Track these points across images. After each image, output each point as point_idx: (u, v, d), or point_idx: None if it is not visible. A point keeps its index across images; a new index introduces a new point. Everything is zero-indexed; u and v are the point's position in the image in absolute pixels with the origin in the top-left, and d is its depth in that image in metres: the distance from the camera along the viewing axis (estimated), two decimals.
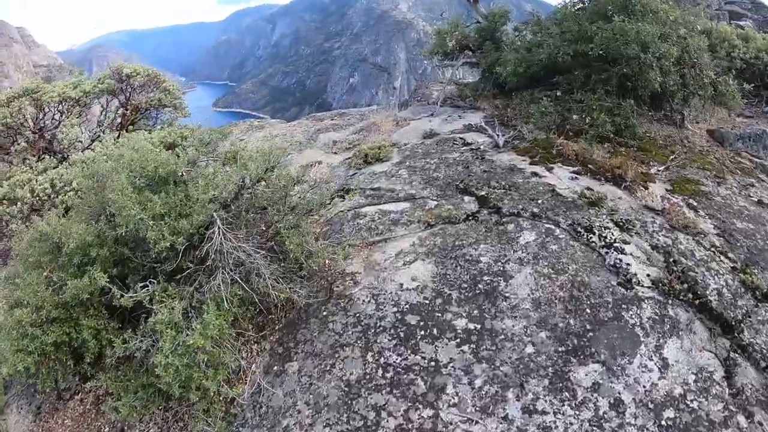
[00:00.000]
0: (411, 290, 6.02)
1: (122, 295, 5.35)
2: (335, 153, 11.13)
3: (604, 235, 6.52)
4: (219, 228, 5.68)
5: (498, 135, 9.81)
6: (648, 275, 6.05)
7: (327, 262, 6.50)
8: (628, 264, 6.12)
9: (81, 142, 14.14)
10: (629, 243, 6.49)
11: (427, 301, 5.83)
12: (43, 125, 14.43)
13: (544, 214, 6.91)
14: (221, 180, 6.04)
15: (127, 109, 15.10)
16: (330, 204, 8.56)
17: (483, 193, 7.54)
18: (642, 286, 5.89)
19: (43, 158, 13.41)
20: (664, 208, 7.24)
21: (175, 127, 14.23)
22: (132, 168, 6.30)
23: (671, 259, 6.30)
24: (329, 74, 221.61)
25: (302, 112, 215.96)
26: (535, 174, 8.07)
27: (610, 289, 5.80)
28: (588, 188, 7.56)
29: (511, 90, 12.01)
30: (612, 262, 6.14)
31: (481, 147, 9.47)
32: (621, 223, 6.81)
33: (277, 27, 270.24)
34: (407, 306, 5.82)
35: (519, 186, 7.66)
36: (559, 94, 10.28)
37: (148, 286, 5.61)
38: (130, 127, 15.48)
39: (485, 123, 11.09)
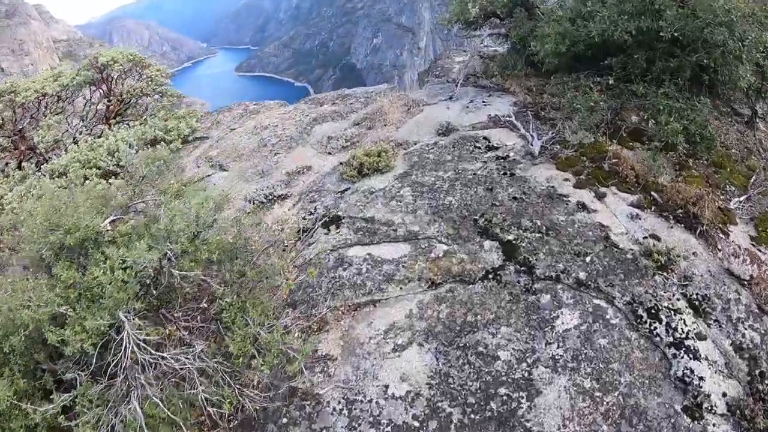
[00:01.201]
0: (398, 400, 4.17)
1: (35, 410, 3.77)
2: (329, 153, 9.11)
3: (673, 323, 4.53)
4: (129, 334, 3.87)
5: (532, 136, 7.63)
6: (724, 395, 4.13)
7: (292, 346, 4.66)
8: (701, 378, 4.22)
9: (61, 141, 12.50)
10: (705, 338, 4.49)
11: (417, 424, 3.96)
12: (21, 127, 12.81)
13: (593, 281, 4.87)
14: (138, 253, 4.16)
15: (110, 101, 13.30)
16: (312, 234, 6.66)
17: (510, 237, 5.50)
18: (714, 413, 3.99)
19: (23, 166, 11.87)
20: (752, 277, 5.13)
21: (158, 119, 12.39)
22: (36, 233, 4.55)
23: (757, 371, 4.29)
24: (352, 35, 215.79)
25: (326, 74, 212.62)
26: (581, 206, 5.95)
27: (672, 421, 3.85)
28: (653, 235, 5.45)
29: (549, 71, 9.67)
30: (680, 373, 4.20)
31: (510, 154, 7.32)
32: (696, 302, 4.80)
33: None
34: (389, 430, 3.97)
35: (560, 227, 5.57)
36: (611, 81, 7.97)
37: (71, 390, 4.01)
38: (115, 120, 13.72)
39: (515, 114, 8.87)
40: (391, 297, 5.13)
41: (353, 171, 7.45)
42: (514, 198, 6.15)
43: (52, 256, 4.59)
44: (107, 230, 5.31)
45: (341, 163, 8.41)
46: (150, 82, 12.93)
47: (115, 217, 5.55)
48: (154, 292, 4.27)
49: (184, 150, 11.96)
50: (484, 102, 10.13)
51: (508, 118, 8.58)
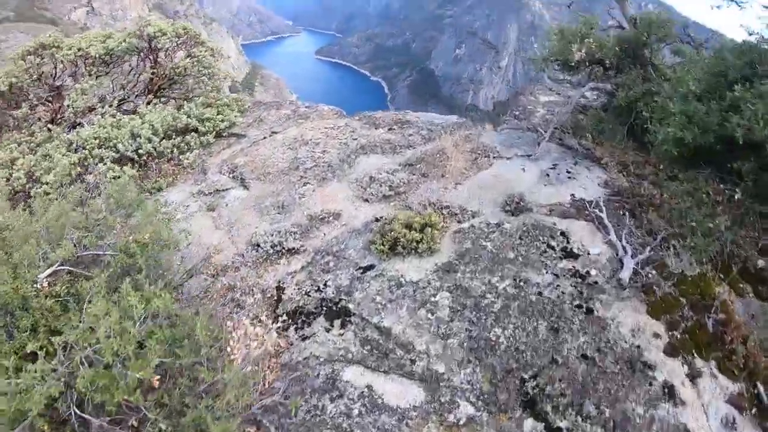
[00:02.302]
0: None
1: None
2: (366, 200, 7.45)
3: None
4: None
5: (624, 249, 5.71)
6: None
7: None
8: None
9: (95, 107, 11.46)
10: None
11: None
12: (59, 84, 11.89)
13: None
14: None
15: (154, 74, 12.18)
16: (310, 322, 5.02)
17: (563, 424, 3.70)
18: None
19: (50, 128, 10.93)
20: None
21: (195, 105, 11.11)
22: None
23: None
24: (436, 42, 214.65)
25: (402, 74, 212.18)
26: (668, 392, 4.03)
27: None
28: None
29: (661, 157, 7.63)
30: None
31: (592, 272, 5.41)
32: None
33: None
34: None
35: (632, 427, 3.69)
36: (738, 195, 5.92)
37: None
38: (156, 97, 12.59)
39: (606, 202, 6.94)
40: None
41: (385, 246, 5.74)
42: (584, 356, 4.27)
43: None
44: (42, 288, 3.86)
45: (377, 220, 6.74)
46: (196, 63, 11.68)
47: (57, 268, 4.10)
48: None
49: (216, 144, 10.65)
50: (568, 172, 8.21)
51: (596, 211, 6.64)
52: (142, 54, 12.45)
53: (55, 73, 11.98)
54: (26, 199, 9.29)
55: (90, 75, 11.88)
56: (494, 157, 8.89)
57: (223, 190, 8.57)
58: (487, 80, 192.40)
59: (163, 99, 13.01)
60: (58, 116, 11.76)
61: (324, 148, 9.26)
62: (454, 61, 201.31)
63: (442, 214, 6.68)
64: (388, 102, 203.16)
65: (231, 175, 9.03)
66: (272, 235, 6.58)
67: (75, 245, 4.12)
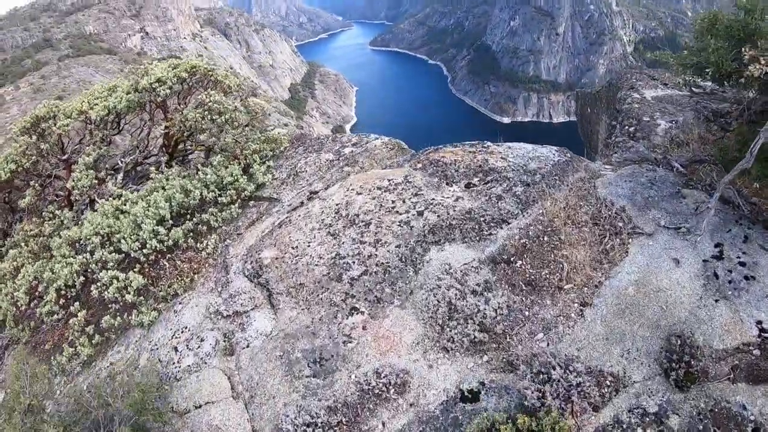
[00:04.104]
0: None
1: None
2: (445, 349, 4.70)
3: None
4: None
5: None
6: None
7: None
8: None
9: (105, 181, 9.50)
10: None
11: None
12: (66, 157, 10.05)
13: None
14: None
15: (167, 128, 10.03)
16: None
17: None
18: None
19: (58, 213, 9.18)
20: None
21: (212, 168, 8.79)
22: None
23: None
24: (489, 16, 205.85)
25: (459, 54, 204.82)
26: None
27: None
28: None
29: None
30: None
31: None
32: None
33: None
34: None
35: None
36: None
37: None
38: (173, 156, 10.44)
39: None
40: None
41: None
42: None
43: None
44: None
45: (464, 398, 4.04)
46: (207, 113, 9.33)
47: None
48: None
49: (242, 216, 8.35)
50: (741, 263, 5.12)
51: None
52: (149, 107, 10.34)
53: (62, 145, 10.14)
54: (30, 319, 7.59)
55: (95, 143, 9.92)
56: (629, 234, 5.88)
57: (245, 313, 6.17)
58: (546, 49, 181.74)
59: (182, 156, 10.94)
60: (72, 195, 9.91)
61: (377, 232, 6.57)
62: (510, 34, 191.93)
63: (568, 394, 3.86)
64: (449, 84, 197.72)
65: (256, 281, 6.62)
66: (306, 429, 4.05)
67: None
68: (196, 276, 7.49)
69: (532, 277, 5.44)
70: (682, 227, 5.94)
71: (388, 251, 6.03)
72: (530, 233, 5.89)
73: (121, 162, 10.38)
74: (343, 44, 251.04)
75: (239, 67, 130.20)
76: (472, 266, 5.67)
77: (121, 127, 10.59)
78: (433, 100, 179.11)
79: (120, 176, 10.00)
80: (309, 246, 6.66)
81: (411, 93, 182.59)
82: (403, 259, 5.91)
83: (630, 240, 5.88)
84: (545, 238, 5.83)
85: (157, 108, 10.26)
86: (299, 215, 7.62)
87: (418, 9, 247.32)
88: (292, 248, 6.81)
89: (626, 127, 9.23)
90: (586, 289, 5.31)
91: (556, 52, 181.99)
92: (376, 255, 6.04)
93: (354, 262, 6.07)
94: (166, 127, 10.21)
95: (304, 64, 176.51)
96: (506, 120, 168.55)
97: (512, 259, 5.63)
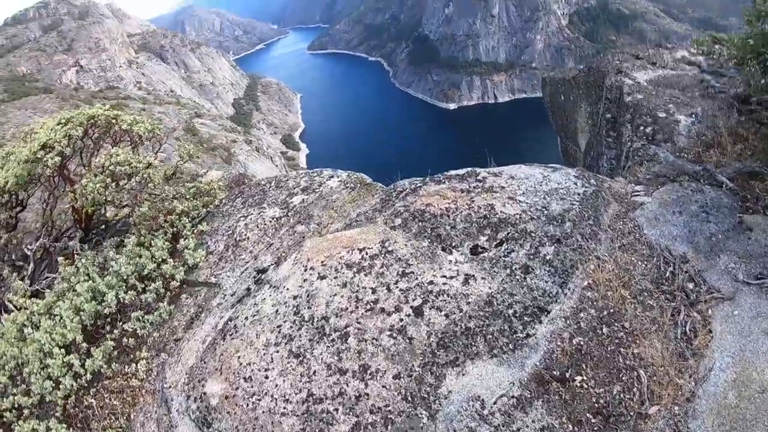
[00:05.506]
0: None
1: None
2: None
3: None
4: None
5: None
6: None
7: None
8: None
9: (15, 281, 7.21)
10: None
11: None
12: None
13: None
14: None
15: (73, 204, 7.74)
16: None
17: None
18: None
19: None
20: None
21: (124, 257, 6.63)
22: None
23: None
24: (423, 6, 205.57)
25: (398, 48, 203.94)
26: None
27: None
28: None
29: None
30: None
31: None
32: None
33: None
34: None
35: None
36: None
37: None
38: (85, 233, 8.17)
39: None
40: None
41: None
42: None
43: None
44: None
45: None
46: (110, 180, 7.12)
47: None
48: None
49: (177, 314, 6.24)
50: None
51: None
52: (47, 178, 8.06)
53: None
54: None
55: None
56: (706, 303, 4.13)
57: None
58: (483, 32, 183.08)
59: (102, 228, 8.69)
60: None
61: (360, 350, 4.47)
62: (446, 22, 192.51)
63: None
64: (392, 78, 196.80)
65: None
66: None
67: None
68: (132, 413, 5.40)
69: (602, 401, 3.62)
70: (766, 281, 4.25)
71: (384, 386, 4.04)
72: (582, 325, 4.06)
73: (28, 250, 8.09)
74: (281, 52, 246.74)
75: (180, 90, 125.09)
76: (508, 392, 3.80)
77: (24, 204, 8.36)
78: (378, 96, 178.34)
79: (30, 267, 7.79)
80: (267, 378, 4.59)
81: (354, 92, 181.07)
82: (410, 398, 3.95)
83: (710, 311, 4.14)
84: (604, 330, 4.02)
85: (59, 176, 8.02)
86: (246, 317, 5.49)
87: (353, 8, 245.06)
88: (245, 379, 4.72)
89: (641, 128, 7.59)
90: (676, 408, 3.54)
91: (493, 34, 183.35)
92: (367, 394, 4.05)
93: (338, 410, 4.05)
94: (71, 200, 7.95)
95: (245, 77, 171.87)
96: (452, 106, 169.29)
97: (567, 374, 3.79)
